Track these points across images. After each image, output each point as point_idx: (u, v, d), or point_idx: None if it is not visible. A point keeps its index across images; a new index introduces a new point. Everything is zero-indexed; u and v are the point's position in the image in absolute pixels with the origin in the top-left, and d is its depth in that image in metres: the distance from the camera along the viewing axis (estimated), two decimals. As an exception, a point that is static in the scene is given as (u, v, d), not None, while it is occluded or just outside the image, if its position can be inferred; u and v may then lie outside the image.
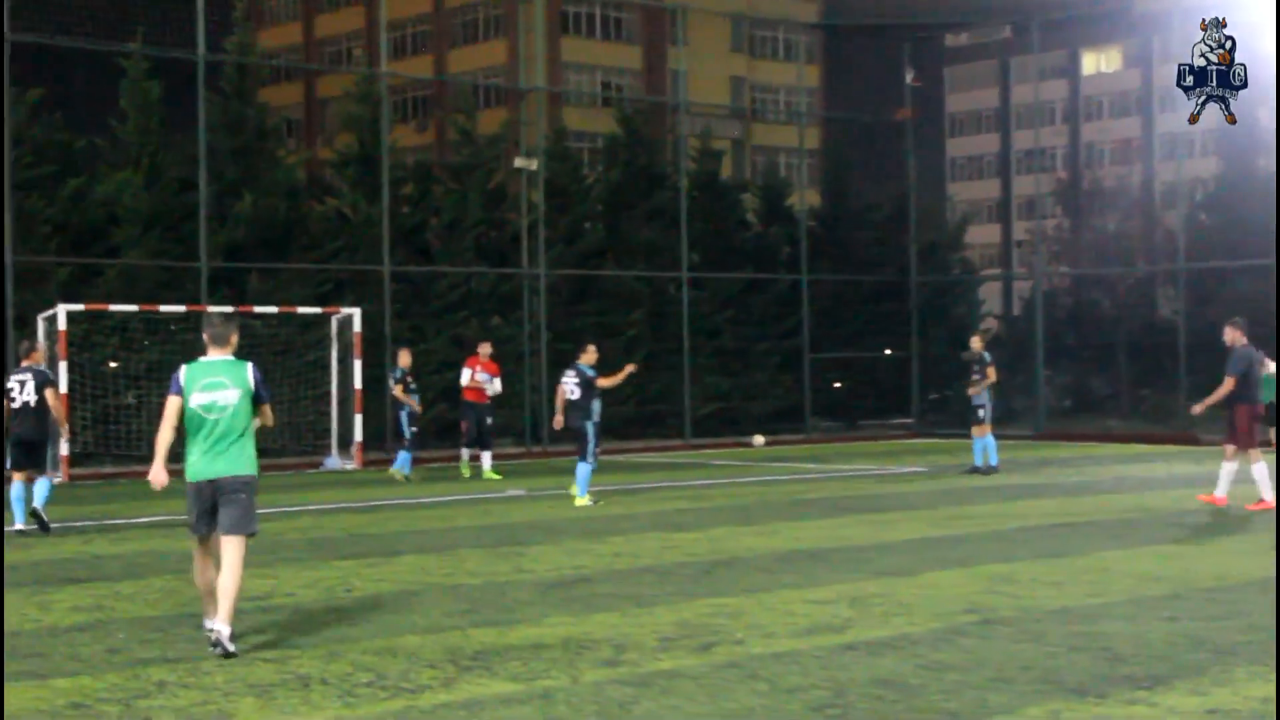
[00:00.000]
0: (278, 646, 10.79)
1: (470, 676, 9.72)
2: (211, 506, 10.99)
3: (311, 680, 9.65)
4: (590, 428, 21.87)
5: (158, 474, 11.04)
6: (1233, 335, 20.57)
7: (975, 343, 27.82)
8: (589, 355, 22.14)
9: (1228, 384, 19.94)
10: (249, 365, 11.27)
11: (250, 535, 11.07)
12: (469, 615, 12.06)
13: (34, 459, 18.79)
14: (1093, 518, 19.27)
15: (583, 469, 21.87)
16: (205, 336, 11.32)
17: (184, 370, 11.17)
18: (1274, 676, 9.33)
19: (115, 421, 30.15)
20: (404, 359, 27.56)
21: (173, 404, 11.09)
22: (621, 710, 8.74)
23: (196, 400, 11.01)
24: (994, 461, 26.85)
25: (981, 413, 27.02)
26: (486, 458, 27.39)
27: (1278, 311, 34.13)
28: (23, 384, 18.67)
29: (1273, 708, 8.59)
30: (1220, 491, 20.33)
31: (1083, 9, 56.81)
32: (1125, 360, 43.78)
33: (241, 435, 11.08)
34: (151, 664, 10.24)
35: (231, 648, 10.53)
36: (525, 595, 13.11)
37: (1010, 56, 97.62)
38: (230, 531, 10.91)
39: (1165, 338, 39.95)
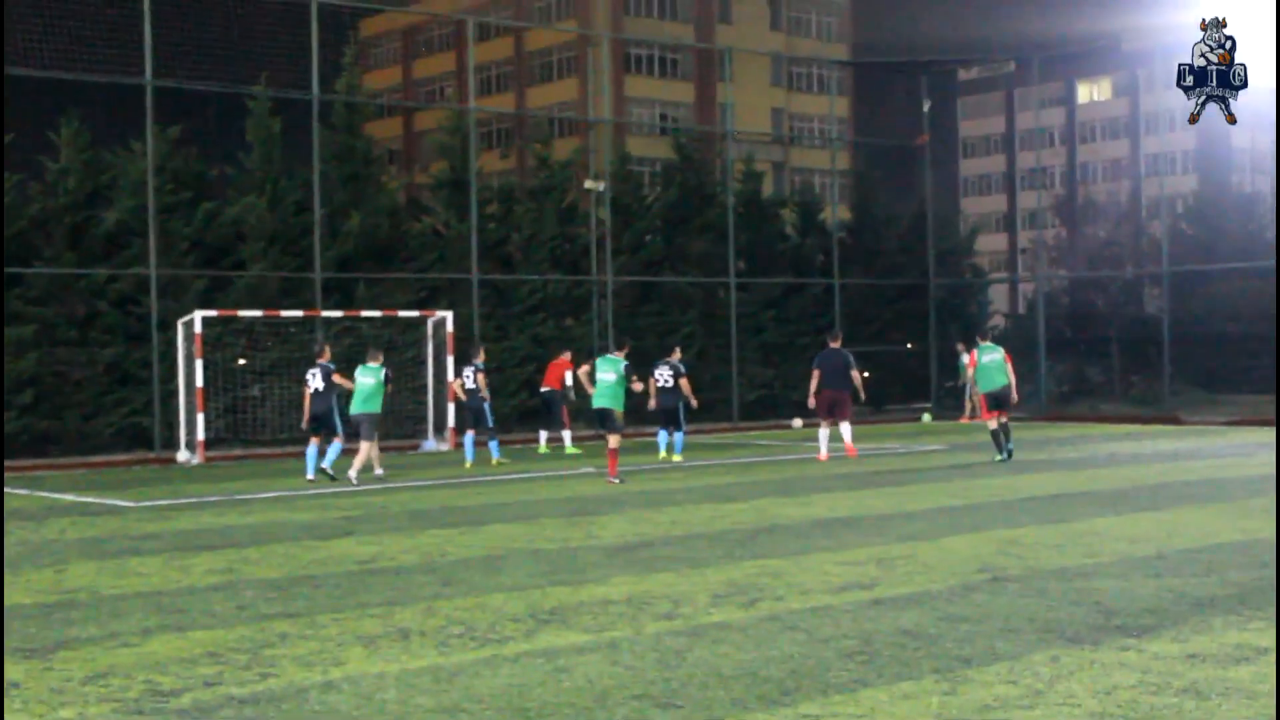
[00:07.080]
0: (382, 604, 10.83)
1: (548, 629, 9.74)
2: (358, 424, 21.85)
3: (411, 632, 9.69)
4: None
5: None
6: (835, 343, 24.91)
7: None
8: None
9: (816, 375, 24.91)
10: (383, 368, 22.18)
11: (371, 439, 21.80)
12: (547, 576, 12.09)
13: (322, 427, 22.22)
14: (1088, 489, 19.14)
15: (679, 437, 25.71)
16: (368, 353, 22.56)
17: (359, 368, 22.04)
18: (1247, 625, 9.26)
19: (243, 411, 30.31)
20: (480, 356, 26.71)
21: (350, 382, 21.94)
22: (678, 658, 8.74)
23: (358, 381, 21.90)
24: None
25: None
26: (545, 435, 29.23)
27: (1277, 312, 33.76)
28: (315, 375, 22.38)
29: (1245, 652, 8.52)
30: (824, 450, 24.93)
31: (1077, 46, 56.41)
32: (1116, 351, 43.38)
33: (374, 396, 21.87)
34: (275, 619, 10.30)
35: (355, 481, 21.46)
36: (595, 558, 13.13)
37: (1014, 88, 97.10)
38: (364, 438, 21.80)
39: (1151, 332, 39.60)
